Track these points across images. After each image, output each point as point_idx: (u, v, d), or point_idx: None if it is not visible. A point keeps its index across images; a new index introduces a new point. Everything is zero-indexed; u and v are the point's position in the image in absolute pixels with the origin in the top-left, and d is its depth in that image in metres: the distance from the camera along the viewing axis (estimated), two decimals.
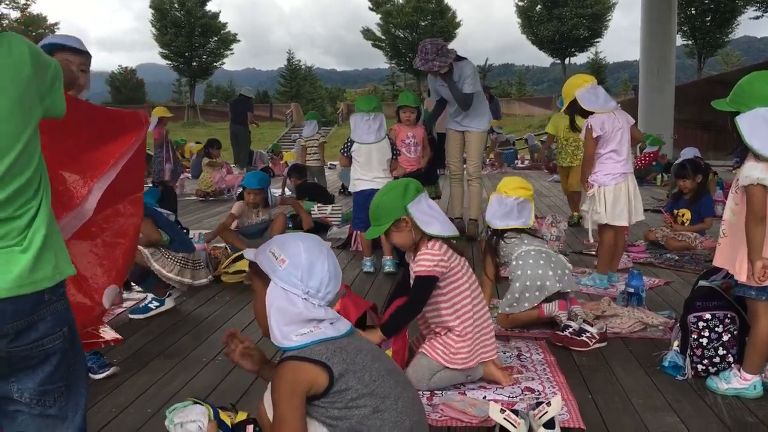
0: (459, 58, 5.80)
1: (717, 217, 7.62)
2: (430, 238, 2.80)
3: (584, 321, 3.51)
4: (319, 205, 7.45)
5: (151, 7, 48.13)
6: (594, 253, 5.49)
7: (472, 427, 2.53)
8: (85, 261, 2.13)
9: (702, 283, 3.15)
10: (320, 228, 6.79)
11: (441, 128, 6.82)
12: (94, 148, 2.11)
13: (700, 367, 2.95)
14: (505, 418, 2.31)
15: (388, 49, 53.64)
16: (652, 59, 15.35)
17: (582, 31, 48.81)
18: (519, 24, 50.29)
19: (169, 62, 49.19)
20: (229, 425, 2.05)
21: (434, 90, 6.28)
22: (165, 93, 77.43)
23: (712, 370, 2.93)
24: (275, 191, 7.07)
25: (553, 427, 2.34)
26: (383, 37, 53.38)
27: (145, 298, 4.26)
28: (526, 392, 2.84)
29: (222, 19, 50.13)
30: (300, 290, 1.80)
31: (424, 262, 2.77)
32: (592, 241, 4.57)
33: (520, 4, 49.93)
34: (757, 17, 40.47)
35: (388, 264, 5.06)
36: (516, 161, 16.91)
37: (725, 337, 2.93)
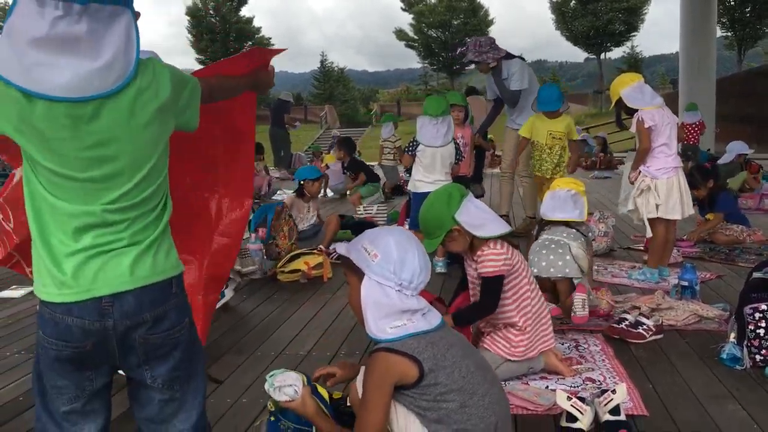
0: (509, 56, 5.90)
1: (764, 211, 7.59)
2: (488, 239, 2.88)
3: (640, 313, 3.59)
4: (365, 206, 7.61)
5: (186, 14, 49.01)
6: (642, 248, 5.54)
7: (538, 415, 2.64)
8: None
9: (756, 275, 3.21)
10: (366, 227, 6.93)
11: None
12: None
13: (758, 357, 3.01)
14: (572, 405, 2.41)
15: (421, 49, 53.75)
16: (692, 52, 15.19)
17: (618, 25, 48.20)
18: (553, 20, 49.91)
19: None
20: (326, 398, 2.19)
21: (490, 89, 6.40)
22: None
23: None
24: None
25: (618, 414, 2.43)
26: (416, 36, 53.49)
27: None
28: (588, 382, 2.94)
29: (256, 23, 50.85)
30: (393, 282, 1.88)
31: (491, 262, 2.85)
32: (649, 235, 4.60)
33: (554, 0, 49.54)
34: None
35: (439, 265, 5.18)
36: None
37: None
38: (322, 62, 59.87)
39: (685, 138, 11.99)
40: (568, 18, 48.71)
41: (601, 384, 2.90)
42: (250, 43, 49.95)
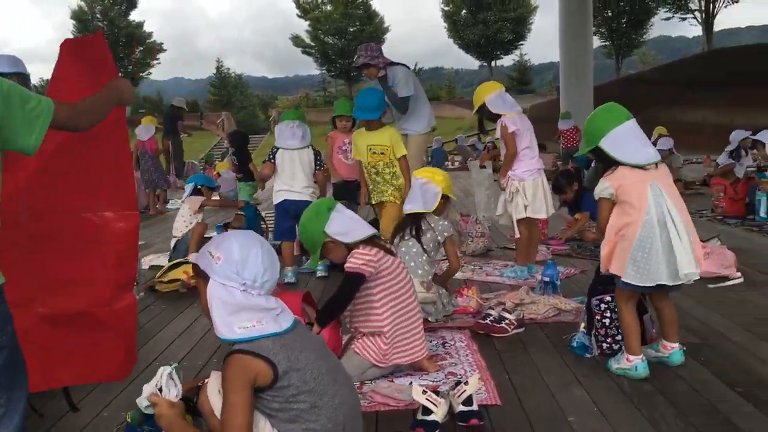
0: (393, 64, 6.01)
1: None
2: (359, 243, 3.00)
3: (504, 309, 3.78)
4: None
5: (72, 18, 46.84)
6: (515, 247, 5.81)
7: (399, 410, 2.74)
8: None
9: None
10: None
11: None
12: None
13: (605, 345, 3.24)
14: (427, 398, 2.53)
15: (318, 56, 53.76)
16: (570, 60, 16.05)
17: (506, 34, 50.32)
18: (446, 28, 51.33)
19: None
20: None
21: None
22: None
23: (615, 347, 3.21)
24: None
25: (471, 405, 2.56)
26: (312, 43, 53.47)
27: None
28: (449, 376, 3.08)
29: (147, 28, 49.31)
30: (237, 283, 1.93)
31: (353, 259, 2.98)
32: (518, 236, 4.85)
33: (446, 8, 50.97)
34: (668, 18, 42.59)
35: (320, 269, 5.24)
36: (446, 163, 17.34)
37: None
38: (218, 68, 58.75)
39: (564, 143, 12.67)
40: (459, 26, 50.32)
41: (461, 377, 3.04)
42: (141, 48, 48.36)
